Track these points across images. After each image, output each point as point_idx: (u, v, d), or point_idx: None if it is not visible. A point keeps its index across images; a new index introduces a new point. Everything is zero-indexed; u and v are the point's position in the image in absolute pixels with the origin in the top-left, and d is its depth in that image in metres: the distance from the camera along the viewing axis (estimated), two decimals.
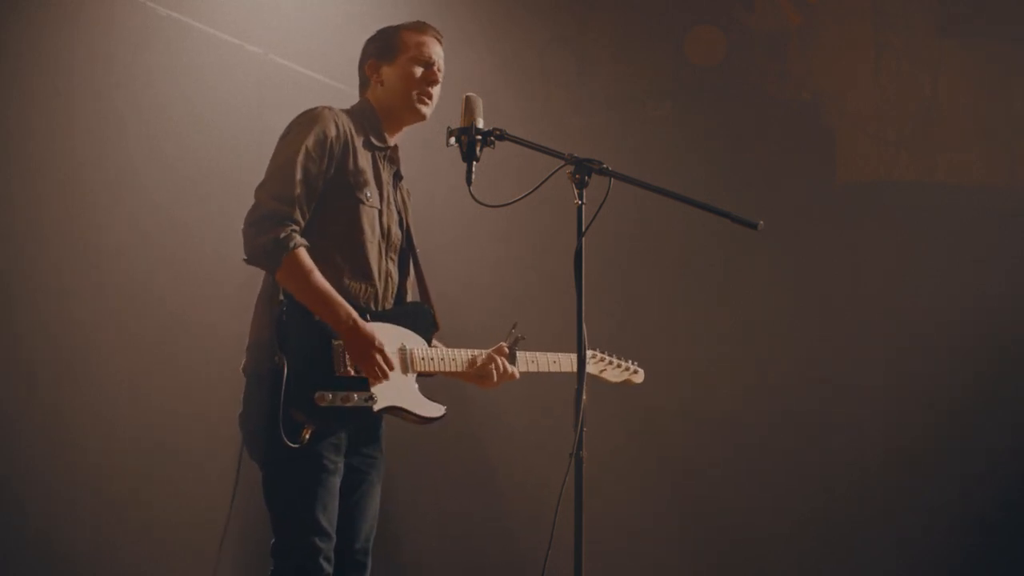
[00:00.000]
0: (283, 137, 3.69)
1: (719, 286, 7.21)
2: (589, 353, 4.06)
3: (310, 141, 3.61)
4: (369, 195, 3.72)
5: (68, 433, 5.25)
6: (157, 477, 5.55)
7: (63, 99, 5.24)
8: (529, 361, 3.96)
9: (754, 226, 3.49)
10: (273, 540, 3.56)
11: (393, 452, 3.89)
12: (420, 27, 3.91)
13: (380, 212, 3.76)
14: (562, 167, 3.49)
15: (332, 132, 3.66)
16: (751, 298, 7.09)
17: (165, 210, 5.60)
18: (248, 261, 3.55)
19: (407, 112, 3.85)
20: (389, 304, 3.77)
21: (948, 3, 7.23)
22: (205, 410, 5.53)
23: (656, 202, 3.70)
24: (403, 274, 3.86)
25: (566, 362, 3.99)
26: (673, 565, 6.89)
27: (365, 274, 3.69)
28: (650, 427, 6.94)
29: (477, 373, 3.86)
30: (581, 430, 3.31)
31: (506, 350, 3.91)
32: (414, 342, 3.73)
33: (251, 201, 3.58)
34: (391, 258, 3.80)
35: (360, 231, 3.69)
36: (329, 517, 3.55)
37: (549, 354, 4.01)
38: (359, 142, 3.74)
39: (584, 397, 3.35)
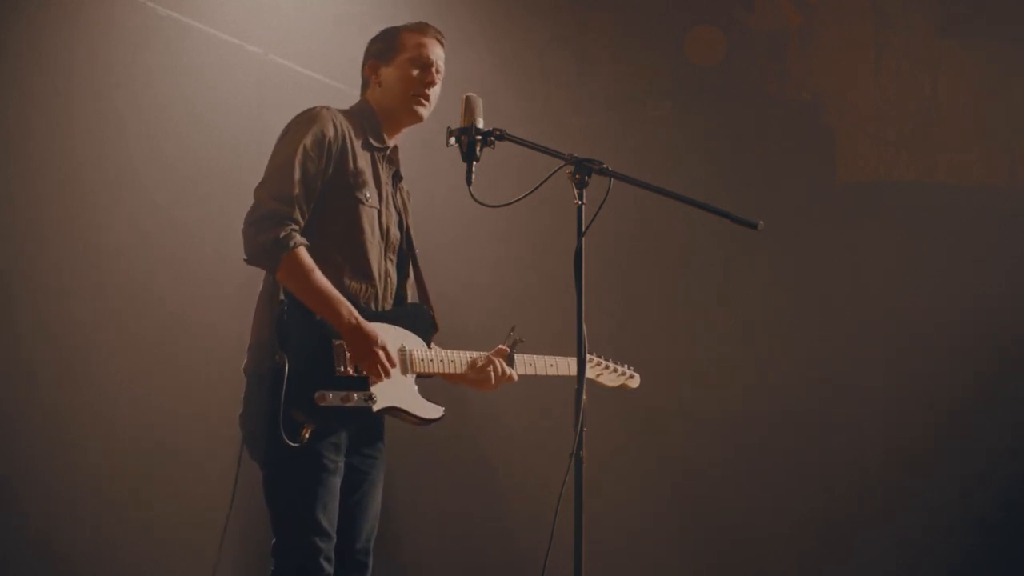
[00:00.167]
0: (281, 137, 3.69)
1: (719, 286, 7.21)
2: (587, 356, 4.06)
3: (308, 141, 3.61)
4: (368, 195, 3.72)
5: (68, 433, 5.25)
6: (157, 477, 5.55)
7: (63, 99, 5.24)
8: (527, 364, 3.97)
9: (754, 226, 3.49)
10: (273, 540, 3.56)
11: (393, 452, 3.89)
12: (421, 28, 3.90)
13: (379, 212, 3.76)
14: (562, 167, 3.49)
15: (330, 132, 3.66)
16: (751, 298, 7.09)
17: (165, 210, 5.60)
18: (248, 261, 3.56)
19: (404, 113, 3.85)
20: (388, 305, 3.77)
21: (948, 3, 7.23)
22: (205, 410, 5.53)
23: (656, 202, 3.70)
24: (402, 275, 3.86)
25: (563, 366, 4.00)
26: (673, 565, 6.89)
27: (365, 274, 3.69)
28: (650, 427, 6.94)
29: (475, 376, 3.86)
30: (581, 430, 3.31)
31: (505, 352, 3.91)
32: (413, 343, 3.74)
33: (251, 201, 3.58)
34: (390, 258, 3.80)
35: (360, 231, 3.69)
36: (329, 517, 3.55)
37: (547, 357, 4.01)
38: (358, 143, 3.74)
39: (584, 397, 3.35)
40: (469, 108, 3.55)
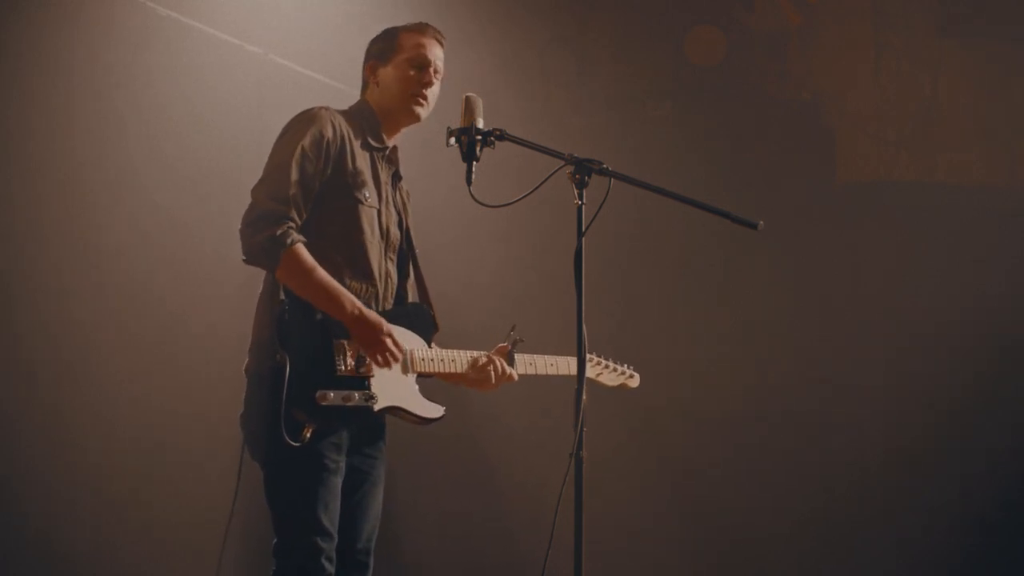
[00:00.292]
0: (280, 138, 3.69)
1: (719, 286, 7.21)
2: (586, 356, 4.06)
3: (306, 141, 3.61)
4: (367, 195, 3.72)
5: (68, 433, 5.25)
6: (157, 477, 5.54)
7: (63, 99, 5.24)
8: (527, 363, 3.97)
9: (754, 226, 3.50)
10: (275, 540, 3.56)
11: (393, 452, 3.89)
12: (420, 28, 3.91)
13: (379, 212, 3.76)
14: (562, 167, 3.49)
15: (329, 132, 3.66)
16: (751, 298, 7.09)
17: (165, 210, 5.60)
18: (247, 261, 3.55)
19: (402, 113, 3.85)
20: (389, 304, 3.77)
21: (948, 3, 7.23)
22: (205, 410, 5.53)
23: (656, 202, 3.70)
24: (402, 275, 3.86)
25: (563, 365, 4.00)
26: (673, 565, 6.89)
27: (366, 274, 3.69)
28: (650, 427, 6.94)
29: (476, 375, 3.86)
30: (581, 430, 3.31)
31: (505, 352, 3.91)
32: (414, 343, 3.74)
33: (250, 202, 3.59)
34: (391, 258, 3.80)
35: (360, 231, 3.69)
36: (331, 517, 3.55)
37: (547, 357, 4.01)
38: (357, 143, 3.74)
39: (584, 397, 3.35)
40: (469, 108, 3.55)
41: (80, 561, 5.28)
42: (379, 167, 3.81)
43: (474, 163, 3.54)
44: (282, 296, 3.51)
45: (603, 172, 3.46)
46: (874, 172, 7.33)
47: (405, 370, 3.69)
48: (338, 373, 3.52)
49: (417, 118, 3.86)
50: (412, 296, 3.91)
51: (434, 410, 3.75)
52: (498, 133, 3.55)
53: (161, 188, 5.59)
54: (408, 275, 3.89)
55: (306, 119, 3.68)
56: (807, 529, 6.85)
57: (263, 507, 3.59)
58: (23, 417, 5.12)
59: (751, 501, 6.93)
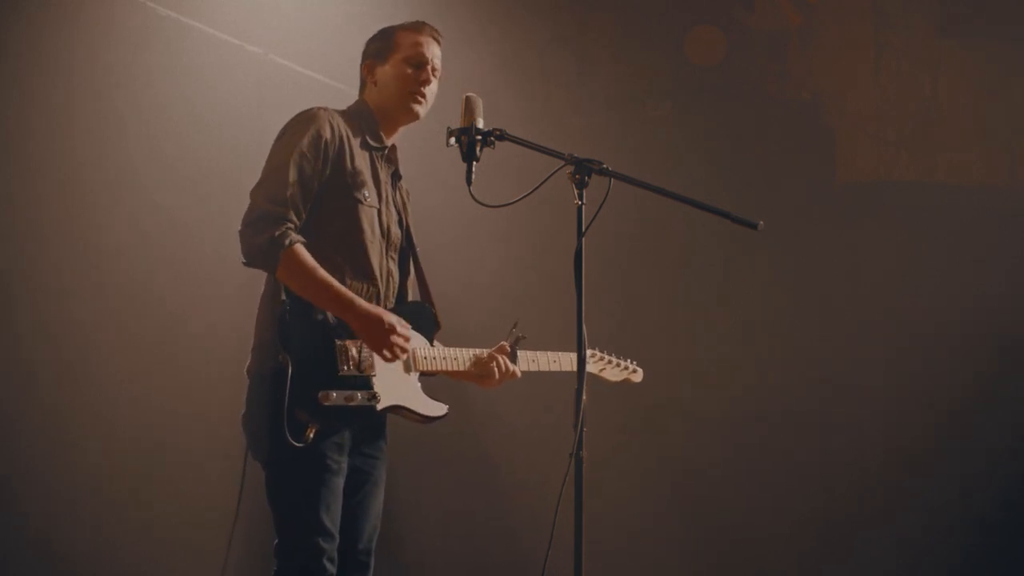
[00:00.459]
0: (278, 139, 3.69)
1: (719, 286, 7.21)
2: (588, 352, 4.07)
3: (305, 142, 3.61)
4: (367, 195, 3.72)
5: (68, 433, 5.25)
6: (157, 477, 5.54)
7: (63, 99, 5.24)
8: (530, 360, 3.97)
9: (754, 226, 3.50)
10: (276, 540, 3.56)
11: (395, 451, 3.89)
12: (416, 27, 3.91)
13: (379, 212, 3.76)
14: (562, 167, 3.49)
15: (327, 133, 3.66)
16: (751, 298, 7.09)
17: (165, 210, 5.60)
18: (247, 263, 3.55)
19: (401, 112, 3.85)
20: (391, 304, 3.77)
21: (948, 3, 7.23)
22: (205, 410, 5.53)
23: (656, 202, 3.70)
24: (403, 273, 3.86)
25: (566, 361, 4.01)
26: (673, 565, 6.89)
27: (367, 274, 3.69)
28: (650, 427, 6.94)
29: (479, 372, 3.87)
30: (581, 430, 3.31)
31: (507, 349, 3.91)
32: (416, 341, 3.74)
33: (249, 202, 3.59)
34: (391, 257, 3.80)
35: (360, 231, 3.69)
36: (332, 517, 3.55)
37: (549, 353, 4.01)
38: (356, 142, 3.74)
39: (584, 397, 3.35)
40: (469, 108, 3.55)
41: (80, 561, 5.28)
42: (378, 166, 3.81)
43: (474, 163, 3.53)
44: (283, 297, 3.50)
45: (603, 172, 3.46)
46: (874, 172, 7.33)
47: (407, 369, 3.69)
48: (340, 373, 3.52)
49: (416, 116, 3.86)
50: (413, 295, 3.91)
51: (437, 408, 3.75)
52: (498, 133, 3.55)
53: (161, 188, 5.59)
54: (409, 274, 3.90)
55: (304, 120, 3.68)
56: (807, 529, 6.85)
57: (265, 507, 3.59)
58: (23, 417, 5.12)
59: (751, 501, 6.93)
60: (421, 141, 4.47)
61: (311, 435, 3.43)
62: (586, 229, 3.43)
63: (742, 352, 7.06)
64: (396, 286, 3.81)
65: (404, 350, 3.58)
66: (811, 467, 6.89)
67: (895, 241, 7.02)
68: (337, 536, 3.56)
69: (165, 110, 5.61)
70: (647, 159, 6.48)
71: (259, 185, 3.60)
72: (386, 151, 3.86)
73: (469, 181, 3.52)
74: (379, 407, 3.57)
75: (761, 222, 3.49)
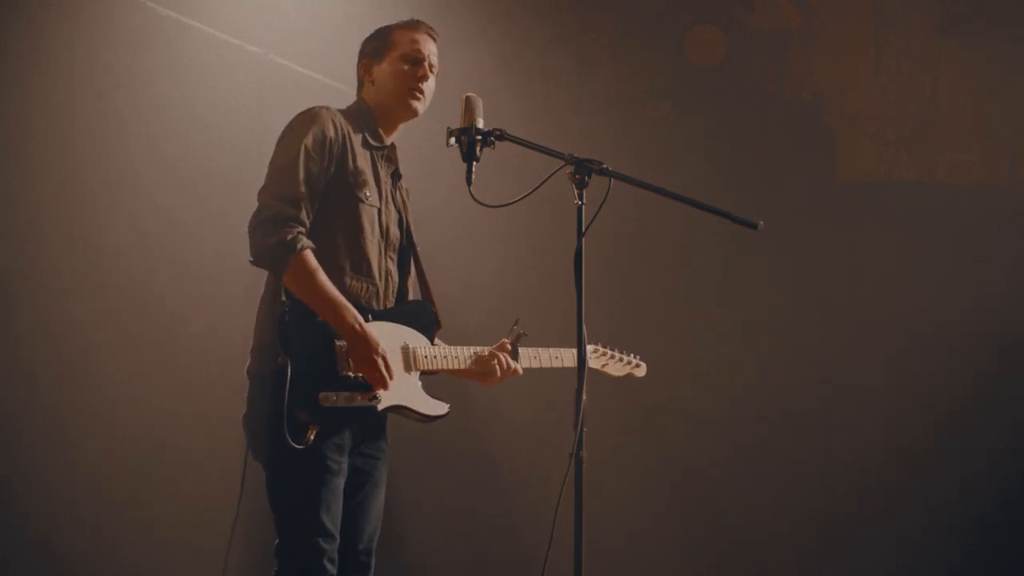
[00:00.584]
0: (282, 138, 3.68)
1: (719, 286, 7.21)
2: (591, 348, 4.08)
3: (309, 141, 3.61)
4: (368, 194, 3.72)
5: (68, 433, 5.25)
6: (157, 477, 5.55)
7: (63, 99, 5.24)
8: (532, 357, 3.97)
9: (754, 226, 3.49)
10: (277, 541, 3.56)
11: (396, 451, 3.89)
12: (412, 24, 3.91)
13: (379, 211, 3.76)
14: (562, 167, 3.49)
15: (330, 132, 3.66)
16: (751, 298, 7.09)
17: (165, 210, 5.60)
18: (254, 263, 3.55)
19: (400, 109, 3.85)
20: (390, 303, 3.77)
21: (948, 3, 7.23)
22: (205, 410, 5.53)
23: (656, 202, 3.69)
24: (403, 273, 3.86)
25: (568, 357, 4.00)
26: (673, 565, 6.89)
27: (366, 273, 3.69)
28: (650, 427, 6.94)
29: (480, 370, 3.86)
30: (581, 430, 3.31)
31: (508, 346, 3.91)
32: (416, 341, 3.74)
33: (251, 201, 3.58)
34: (391, 257, 3.80)
35: (360, 230, 3.69)
36: (333, 518, 3.54)
37: (551, 349, 4.01)
38: (357, 141, 3.74)
39: (584, 397, 3.35)
40: (469, 108, 3.55)
41: (80, 561, 5.28)
42: (379, 165, 3.82)
43: (474, 163, 3.53)
44: (283, 298, 3.50)
45: (603, 172, 3.46)
46: (874, 172, 7.34)
47: (408, 368, 3.69)
48: (341, 375, 3.52)
49: (415, 113, 3.86)
50: (413, 294, 3.91)
51: (438, 407, 3.75)
52: (498, 133, 3.55)
53: (161, 188, 5.59)
54: (409, 273, 3.89)
55: (307, 119, 3.68)
56: (807, 529, 6.85)
57: (265, 508, 3.59)
58: (23, 417, 5.12)
59: (751, 501, 6.93)
60: (421, 141, 4.47)
61: (311, 436, 3.43)
62: (586, 229, 3.42)
63: (742, 352, 7.06)
64: (395, 285, 3.81)
65: (384, 384, 3.56)
66: (811, 467, 6.89)
67: (895, 241, 7.02)
68: (338, 536, 3.56)
69: (165, 110, 5.61)
70: (647, 159, 6.48)
71: (266, 185, 3.59)
72: (386, 150, 3.86)
73: (469, 181, 3.52)
74: (380, 407, 3.57)
75: (761, 222, 3.49)
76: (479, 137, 3.52)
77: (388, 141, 3.88)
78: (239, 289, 4.81)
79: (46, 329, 5.20)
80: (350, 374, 3.53)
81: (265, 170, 3.65)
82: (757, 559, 6.91)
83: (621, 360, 4.25)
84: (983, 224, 6.89)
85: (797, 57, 7.41)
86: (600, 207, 3.43)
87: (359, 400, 3.52)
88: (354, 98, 3.94)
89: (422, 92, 3.84)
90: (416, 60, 3.84)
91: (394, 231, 3.82)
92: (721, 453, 6.98)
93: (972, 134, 7.22)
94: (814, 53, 7.40)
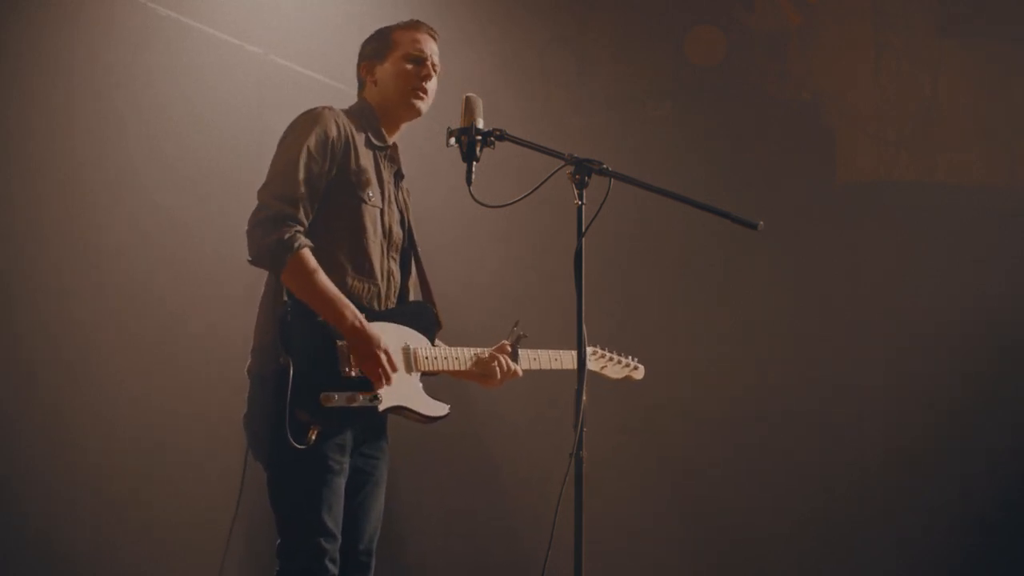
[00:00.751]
0: (284, 138, 3.68)
1: (719, 286, 7.21)
2: (590, 350, 4.08)
3: (311, 141, 3.61)
4: (371, 195, 3.72)
5: (68, 433, 5.25)
6: (157, 477, 5.54)
7: (63, 99, 5.24)
8: (531, 359, 3.97)
9: (754, 226, 3.49)
10: (279, 541, 3.56)
11: (397, 451, 3.89)
12: (413, 24, 3.92)
13: (382, 211, 3.76)
14: (562, 167, 3.49)
15: (333, 132, 3.66)
16: (751, 298, 7.09)
17: (165, 210, 5.60)
18: (253, 262, 3.55)
19: (402, 109, 3.85)
20: (392, 303, 3.77)
21: (948, 3, 7.23)
22: (205, 410, 5.53)
23: (656, 202, 3.70)
24: (405, 273, 3.86)
25: (567, 359, 4.01)
26: (673, 565, 6.89)
27: (368, 273, 3.69)
28: (650, 427, 6.94)
29: (481, 371, 3.87)
30: (581, 430, 3.31)
31: (508, 348, 3.91)
32: (417, 341, 3.74)
33: (251, 201, 3.58)
34: (393, 257, 3.80)
35: (363, 230, 3.68)
36: (335, 518, 3.54)
37: (551, 351, 4.02)
38: (360, 141, 3.75)
39: (584, 397, 3.35)
40: (469, 108, 3.55)
41: (80, 561, 5.28)
42: (382, 165, 3.82)
43: (474, 163, 3.54)
44: (285, 298, 3.50)
45: (603, 172, 3.46)
46: (874, 172, 7.34)
47: (409, 369, 3.69)
48: (342, 375, 3.52)
49: (418, 112, 3.86)
50: (414, 294, 3.91)
51: (439, 408, 3.75)
52: (498, 133, 3.55)
53: (161, 188, 5.59)
54: (411, 273, 3.90)
55: (310, 119, 3.67)
56: (807, 529, 6.85)
57: (265, 508, 3.59)
58: (23, 417, 5.12)
59: (751, 501, 6.93)
60: (421, 141, 4.47)
61: (313, 436, 3.43)
62: (586, 229, 3.42)
63: (742, 352, 7.06)
64: (397, 286, 3.81)
65: (387, 378, 3.57)
66: (811, 467, 6.89)
67: (895, 241, 7.02)
68: (339, 536, 3.56)
69: (165, 110, 5.61)
70: (647, 159, 6.48)
71: (267, 185, 3.59)
72: (388, 150, 3.86)
73: (469, 181, 3.53)
74: (381, 408, 3.57)
75: (761, 222, 3.49)
76: (479, 137, 3.53)
77: (391, 141, 3.88)
78: (239, 289, 4.81)
79: (46, 329, 5.20)
80: (352, 373, 3.52)
81: (265, 170, 3.65)
82: (757, 559, 6.91)
83: (619, 362, 4.26)
84: (983, 224, 6.89)
85: (797, 57, 7.41)
86: (600, 207, 3.43)
87: (360, 400, 3.52)
88: (354, 98, 3.94)
89: (425, 92, 3.84)
90: (419, 60, 3.84)
91: (397, 231, 3.82)
92: (721, 453, 6.98)
93: (972, 134, 7.22)
94: (814, 53, 7.40)
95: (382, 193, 3.78)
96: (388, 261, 3.77)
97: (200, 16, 5.74)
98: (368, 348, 3.52)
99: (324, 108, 3.71)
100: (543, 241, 6.27)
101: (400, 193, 3.90)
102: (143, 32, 5.51)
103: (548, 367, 4.01)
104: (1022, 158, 7.16)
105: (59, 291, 5.23)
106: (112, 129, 5.41)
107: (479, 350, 3.88)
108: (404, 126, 3.92)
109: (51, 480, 5.19)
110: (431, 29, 3.92)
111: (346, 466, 3.59)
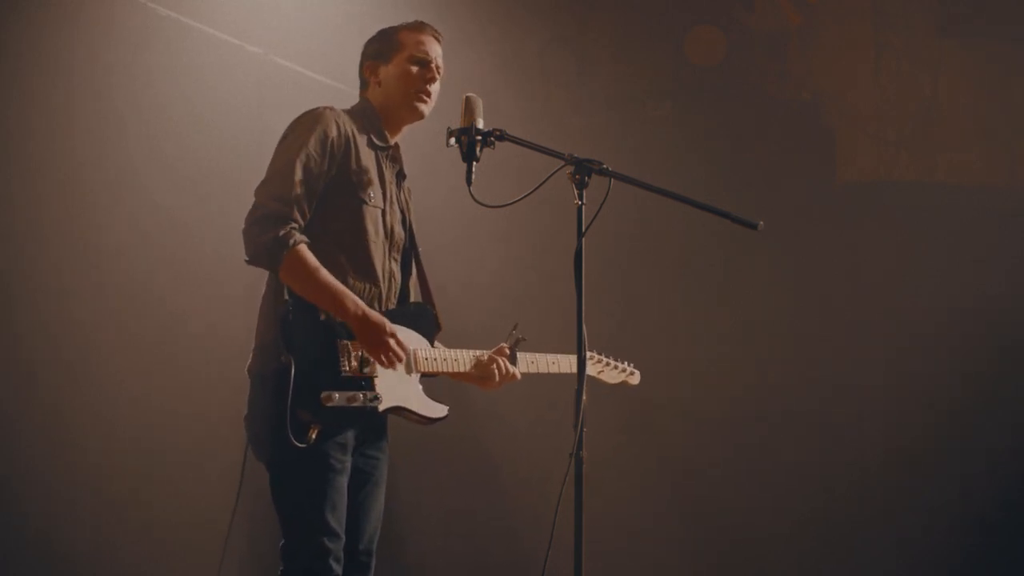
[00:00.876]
0: (284, 138, 3.68)
1: (719, 286, 7.21)
2: (587, 354, 4.07)
3: (311, 141, 3.61)
4: (372, 195, 3.72)
5: (68, 433, 5.25)
6: (157, 477, 5.55)
7: (63, 99, 5.24)
8: (529, 362, 3.98)
9: (754, 226, 3.49)
10: (282, 541, 3.56)
11: (397, 451, 3.89)
12: (418, 26, 3.91)
13: (383, 212, 3.76)
14: (562, 167, 3.49)
15: (333, 132, 3.66)
16: (751, 298, 7.09)
17: (165, 210, 5.60)
18: (250, 261, 3.55)
19: (406, 111, 3.85)
20: (392, 304, 3.77)
21: (948, 3, 7.23)
22: (205, 410, 5.53)
23: (656, 202, 3.70)
24: (406, 274, 3.86)
25: (565, 363, 4.01)
26: (673, 565, 6.89)
27: (369, 274, 3.69)
28: (650, 427, 6.94)
29: (479, 374, 3.87)
30: (581, 430, 3.31)
31: (507, 351, 3.92)
32: (417, 342, 3.74)
33: (251, 201, 3.58)
34: (394, 258, 3.80)
35: (363, 231, 3.68)
36: (338, 517, 3.54)
37: (549, 355, 4.02)
38: (362, 141, 3.74)
39: (584, 397, 3.35)
40: (469, 108, 3.55)
41: (80, 561, 5.28)
42: (384, 166, 3.82)
43: (474, 163, 3.54)
44: (286, 297, 3.50)
45: (603, 172, 3.46)
46: (874, 172, 7.34)
47: (409, 370, 3.69)
48: (343, 374, 3.52)
49: (421, 115, 3.86)
50: (415, 295, 3.91)
51: (438, 410, 3.75)
52: (498, 133, 3.55)
53: (161, 188, 5.59)
54: (412, 274, 3.90)
55: (311, 119, 3.67)
56: (807, 529, 6.85)
57: (266, 507, 3.59)
58: (23, 417, 5.12)
59: (751, 501, 6.93)
60: (422, 141, 4.47)
61: (314, 435, 3.43)
62: (586, 229, 3.42)
63: (742, 352, 7.06)
64: (398, 286, 3.81)
65: (400, 359, 3.57)
66: (811, 467, 6.89)
67: (895, 241, 7.02)
68: (342, 536, 3.56)
69: (165, 110, 5.61)
70: (647, 159, 6.48)
71: (264, 184, 3.59)
72: (390, 150, 3.86)
73: (469, 181, 3.53)
74: (381, 408, 3.57)
75: (761, 222, 3.49)
76: (479, 137, 3.53)
77: (392, 141, 3.88)
78: (239, 289, 4.81)
79: (46, 329, 5.20)
80: (355, 363, 3.52)
81: (265, 170, 3.65)
82: (757, 559, 6.91)
83: (616, 368, 4.27)
84: (983, 224, 6.89)
85: (797, 57, 7.41)
86: (600, 207, 3.43)
87: (361, 400, 3.52)
88: (355, 98, 3.94)
89: (429, 94, 3.84)
90: (423, 62, 3.84)
91: (398, 231, 3.82)
92: (721, 453, 6.98)
93: (972, 134, 7.22)
94: (814, 53, 7.40)
95: (384, 193, 3.78)
96: (389, 262, 3.77)
97: (200, 16, 5.74)
98: (375, 335, 3.52)
99: (325, 108, 3.71)
100: (543, 241, 6.27)
101: (402, 193, 3.90)
102: (143, 32, 5.51)
103: (546, 371, 4.01)
104: (1022, 158, 7.16)
105: (59, 291, 5.23)
106: (112, 129, 5.41)
107: (478, 352, 3.88)
108: (406, 128, 3.92)
109: (51, 480, 5.19)
110: (435, 31, 3.92)
111: (348, 465, 3.59)
